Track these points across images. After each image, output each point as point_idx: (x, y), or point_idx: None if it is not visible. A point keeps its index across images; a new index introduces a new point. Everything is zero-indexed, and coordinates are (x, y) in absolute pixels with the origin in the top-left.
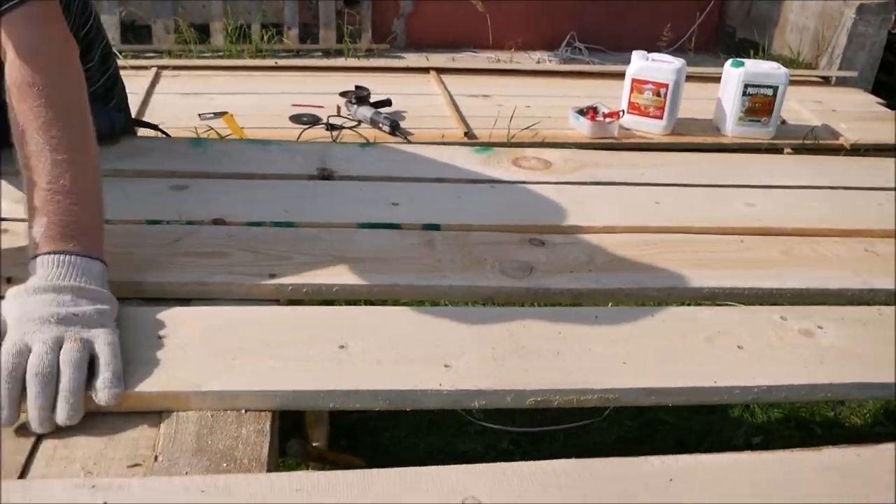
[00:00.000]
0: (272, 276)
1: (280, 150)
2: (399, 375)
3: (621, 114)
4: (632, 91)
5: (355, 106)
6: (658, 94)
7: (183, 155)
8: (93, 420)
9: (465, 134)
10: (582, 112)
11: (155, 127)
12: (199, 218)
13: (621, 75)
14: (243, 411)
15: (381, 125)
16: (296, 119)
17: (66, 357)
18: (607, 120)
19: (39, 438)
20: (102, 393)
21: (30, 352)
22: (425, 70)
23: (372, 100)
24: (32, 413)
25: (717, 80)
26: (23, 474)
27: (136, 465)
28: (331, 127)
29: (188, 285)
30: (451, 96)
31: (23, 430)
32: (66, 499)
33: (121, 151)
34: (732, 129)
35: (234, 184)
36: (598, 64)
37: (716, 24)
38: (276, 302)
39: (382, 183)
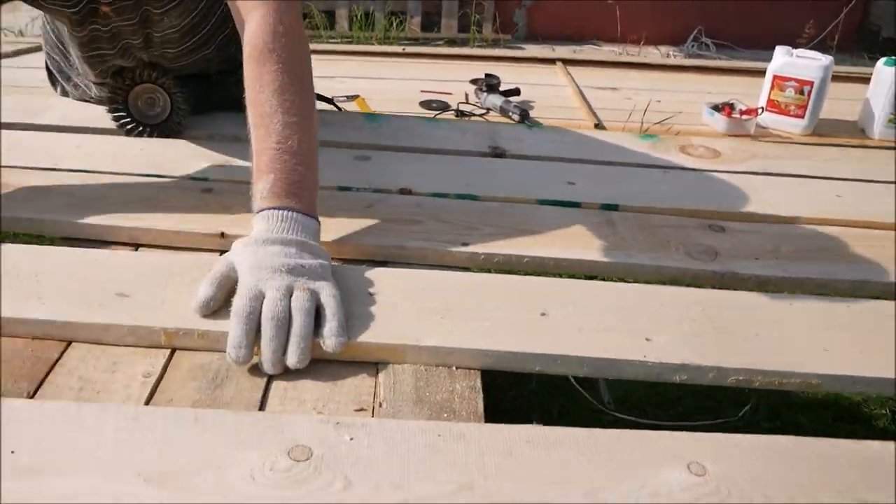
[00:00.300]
0: (464, 244)
1: (449, 127)
2: (602, 344)
3: (760, 111)
4: (772, 88)
5: (485, 94)
6: (801, 92)
7: (360, 129)
8: (315, 366)
9: (595, 126)
10: (717, 108)
11: (330, 101)
12: (386, 187)
13: (755, 72)
14: (454, 368)
15: (510, 114)
16: (425, 105)
17: (297, 304)
18: (744, 117)
19: (269, 380)
20: (330, 340)
21: (263, 297)
22: (551, 61)
23: (501, 88)
24: (266, 355)
25: (860, 79)
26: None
27: (361, 409)
28: (460, 114)
29: (387, 248)
30: (578, 87)
31: (254, 370)
32: (315, 432)
33: None
34: (881, 131)
35: (412, 157)
36: (726, 60)
37: (859, 21)
38: (467, 269)
39: (554, 163)
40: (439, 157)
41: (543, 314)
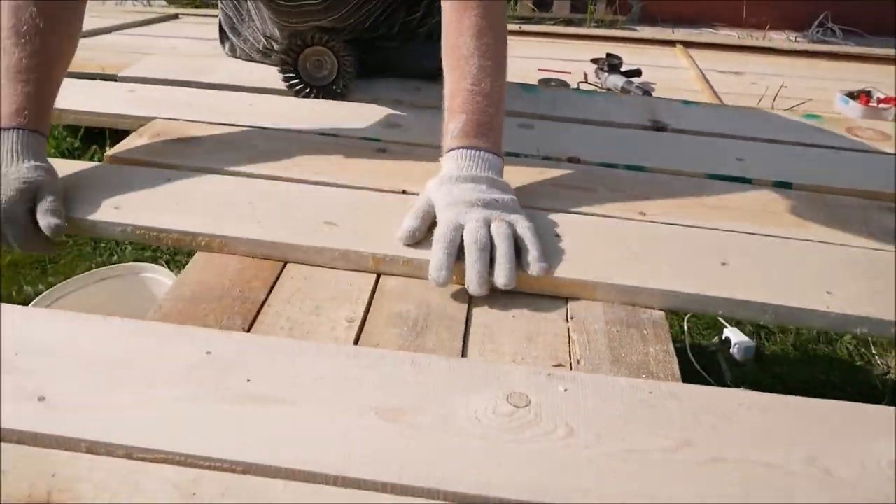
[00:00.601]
0: (642, 213)
1: (605, 100)
2: (784, 294)
3: None
4: None
5: (606, 74)
6: None
7: (518, 98)
8: (508, 322)
9: None
10: (852, 95)
11: None
12: (554, 155)
13: (887, 60)
14: (646, 333)
15: (632, 95)
16: (544, 83)
17: (497, 231)
18: (882, 106)
19: (467, 331)
20: (534, 266)
21: (463, 228)
22: (671, 43)
23: (622, 69)
24: (472, 277)
25: None
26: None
27: (559, 365)
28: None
29: (564, 213)
30: (700, 71)
31: (452, 322)
32: (530, 381)
33: None
34: None
35: (574, 127)
36: (855, 46)
37: None
38: None
39: (719, 139)
40: (602, 129)
41: (724, 264)
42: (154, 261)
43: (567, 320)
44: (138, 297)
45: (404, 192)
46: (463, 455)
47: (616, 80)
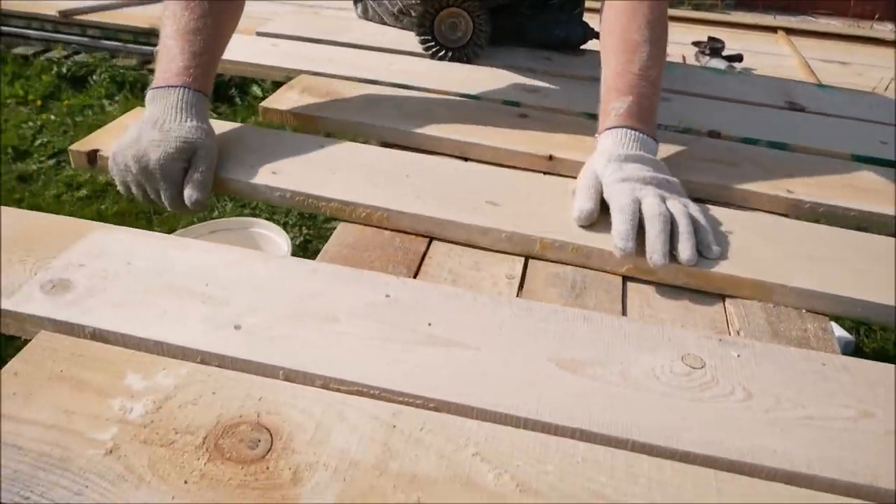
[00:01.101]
0: (789, 191)
1: (738, 79)
2: None
3: None
4: None
5: (707, 57)
6: None
7: None
8: (665, 290)
9: None
10: None
11: None
12: (694, 127)
13: None
14: (802, 311)
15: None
16: None
17: (675, 209)
18: None
19: (624, 294)
20: (715, 248)
21: (640, 202)
22: (772, 29)
23: (724, 53)
24: (656, 246)
25: None
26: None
27: (719, 332)
28: None
29: (710, 186)
30: (803, 59)
31: (610, 283)
32: (702, 345)
33: (589, 61)
34: None
35: (710, 103)
36: None
37: None
38: (785, 216)
39: (859, 122)
40: (736, 106)
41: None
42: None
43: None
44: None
45: (551, 157)
46: (646, 408)
47: (717, 64)
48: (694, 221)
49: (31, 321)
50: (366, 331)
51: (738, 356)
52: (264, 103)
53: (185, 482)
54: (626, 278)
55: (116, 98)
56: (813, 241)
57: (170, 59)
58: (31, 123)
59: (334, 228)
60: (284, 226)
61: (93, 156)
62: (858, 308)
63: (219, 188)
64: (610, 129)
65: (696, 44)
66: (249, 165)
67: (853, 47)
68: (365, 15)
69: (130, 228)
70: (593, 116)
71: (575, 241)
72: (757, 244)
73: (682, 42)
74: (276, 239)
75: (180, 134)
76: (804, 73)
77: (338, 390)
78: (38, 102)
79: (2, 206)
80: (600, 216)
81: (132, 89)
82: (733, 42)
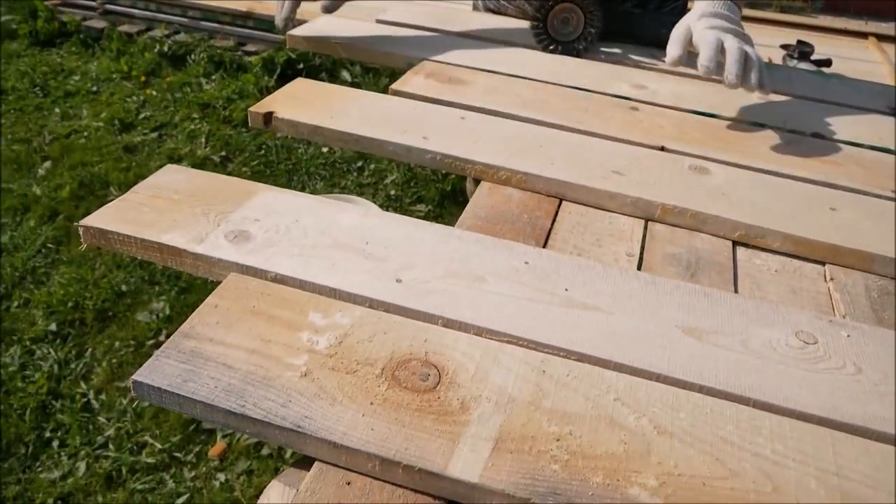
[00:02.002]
0: (894, 192)
1: (841, 83)
2: None
3: None
4: None
5: (795, 61)
6: None
7: None
8: (770, 275)
9: None
10: None
11: None
12: (798, 129)
13: None
14: None
15: (864, 81)
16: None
17: (751, 52)
18: None
19: (735, 278)
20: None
21: (723, 42)
22: (863, 35)
23: (812, 57)
24: (732, 68)
25: None
26: None
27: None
28: None
29: (815, 183)
30: (895, 66)
31: (723, 247)
32: (813, 323)
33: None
34: None
35: (812, 105)
36: None
37: None
38: None
39: None
40: (841, 108)
41: None
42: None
43: (826, 280)
44: None
45: (663, 148)
46: (765, 374)
47: (805, 68)
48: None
49: (221, 265)
50: (511, 290)
51: (848, 336)
52: (393, 86)
53: (371, 403)
54: (736, 265)
55: (213, 77)
56: None
57: None
58: (134, 98)
59: (419, 211)
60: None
61: (268, 117)
62: None
63: (375, 149)
64: None
65: (783, 47)
66: (401, 130)
67: None
68: (476, 7)
69: (292, 190)
70: (700, 113)
71: (692, 207)
72: (858, 219)
73: (770, 45)
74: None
75: None
76: (894, 81)
77: (489, 339)
78: (143, 78)
79: (177, 167)
80: None
81: (227, 69)
82: (821, 46)
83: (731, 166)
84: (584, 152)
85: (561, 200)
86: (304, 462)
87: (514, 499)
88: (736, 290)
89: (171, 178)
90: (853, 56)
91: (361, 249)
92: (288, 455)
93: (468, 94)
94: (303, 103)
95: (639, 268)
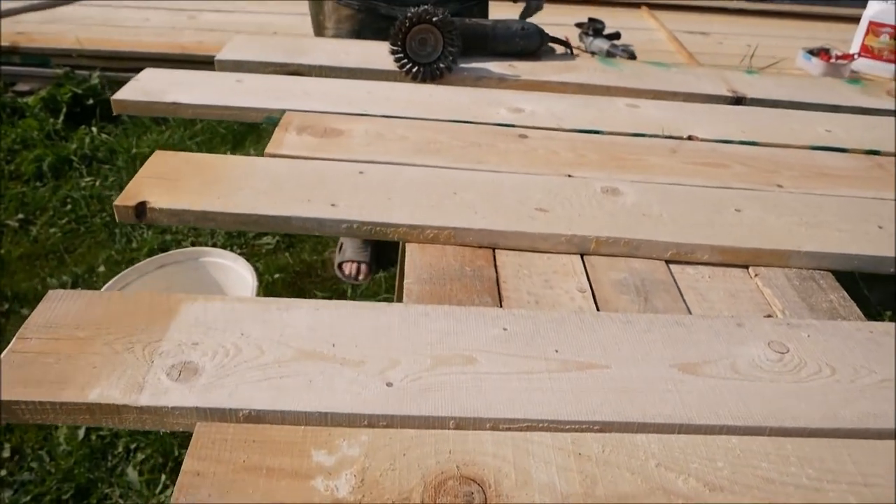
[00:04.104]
0: (779, 185)
1: (680, 71)
2: None
3: (855, 56)
4: (867, 34)
5: (591, 38)
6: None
7: (601, 71)
8: (705, 283)
9: None
10: (813, 53)
11: (565, 43)
12: (675, 134)
13: (845, 18)
14: (821, 282)
15: (618, 57)
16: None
17: None
18: (840, 62)
19: (680, 292)
20: None
21: None
22: (636, 5)
23: (605, 32)
24: None
25: None
26: None
27: (769, 315)
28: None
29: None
30: (670, 32)
31: (669, 287)
32: (777, 332)
33: (546, 66)
34: None
35: (673, 105)
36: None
37: None
38: None
39: (798, 111)
40: (695, 105)
41: (880, 227)
42: (177, 244)
43: (752, 277)
44: (199, 283)
45: (570, 175)
46: (764, 395)
47: (601, 44)
48: None
49: (175, 414)
50: (505, 366)
51: (808, 336)
52: (269, 150)
53: None
54: (675, 279)
55: None
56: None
57: None
58: None
59: (267, 244)
60: (213, 247)
61: (140, 208)
62: (855, 262)
63: (281, 227)
64: None
65: (578, 25)
66: (302, 199)
67: (711, 18)
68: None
69: (214, 296)
70: (585, 132)
71: (624, 235)
72: (762, 217)
73: (564, 24)
74: (233, 266)
75: None
76: (674, 46)
77: (508, 429)
78: None
79: (61, 291)
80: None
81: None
82: (604, 19)
83: (638, 183)
84: (499, 193)
85: (494, 248)
86: None
87: None
88: (688, 308)
89: (63, 309)
90: (632, 25)
91: (332, 355)
92: None
93: (353, 146)
94: (177, 184)
95: (595, 300)
